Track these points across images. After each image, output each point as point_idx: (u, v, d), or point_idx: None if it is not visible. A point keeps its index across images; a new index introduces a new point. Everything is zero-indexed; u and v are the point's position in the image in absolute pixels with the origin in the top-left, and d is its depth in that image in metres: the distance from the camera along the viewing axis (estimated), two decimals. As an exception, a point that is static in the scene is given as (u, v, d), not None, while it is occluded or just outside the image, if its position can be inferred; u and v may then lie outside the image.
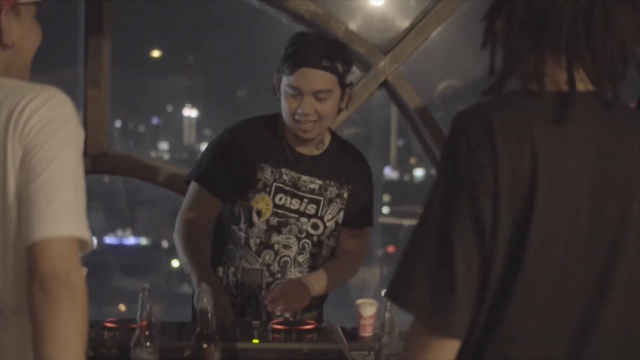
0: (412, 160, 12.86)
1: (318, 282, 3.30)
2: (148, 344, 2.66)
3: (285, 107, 3.24)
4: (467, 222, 1.65)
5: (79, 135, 1.90)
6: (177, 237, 3.33)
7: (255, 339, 2.90)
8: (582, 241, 1.68)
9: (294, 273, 3.34)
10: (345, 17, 4.25)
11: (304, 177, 3.33)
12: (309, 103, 3.19)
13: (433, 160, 4.39)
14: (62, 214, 1.82)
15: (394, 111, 8.12)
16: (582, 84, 1.73)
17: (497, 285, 1.67)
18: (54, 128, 1.84)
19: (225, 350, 2.72)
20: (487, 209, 1.64)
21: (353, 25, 4.25)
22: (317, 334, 2.99)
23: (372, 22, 4.29)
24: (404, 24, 4.31)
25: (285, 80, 3.22)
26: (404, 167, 12.99)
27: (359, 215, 3.43)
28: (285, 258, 3.33)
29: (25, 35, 2.00)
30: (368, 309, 3.32)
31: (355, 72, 4.32)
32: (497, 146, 1.64)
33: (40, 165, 1.82)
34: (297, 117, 3.22)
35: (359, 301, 3.35)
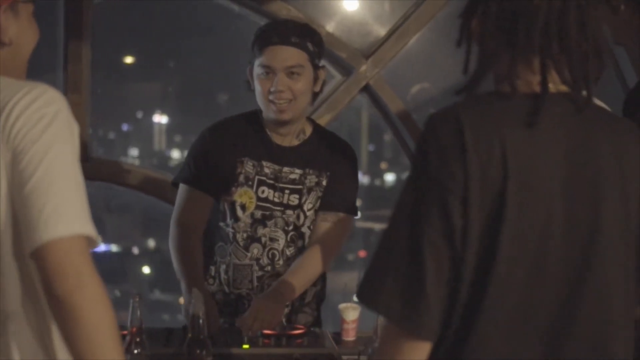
0: (383, 165, 12.92)
1: (286, 288, 3.22)
2: (138, 350, 2.64)
3: (259, 90, 3.23)
4: (437, 224, 1.64)
5: (72, 129, 1.83)
6: (171, 244, 3.31)
7: (246, 344, 2.89)
8: (554, 241, 1.68)
9: (283, 267, 3.31)
10: (326, 22, 4.26)
11: (285, 169, 3.31)
12: (282, 80, 3.19)
13: (414, 165, 4.38)
14: (60, 213, 1.75)
15: (364, 117, 8.15)
16: (553, 85, 1.73)
17: (469, 287, 1.67)
18: (41, 127, 1.78)
19: (216, 356, 2.70)
20: (457, 211, 1.64)
21: (333, 29, 4.25)
22: (307, 339, 2.98)
23: (352, 27, 4.29)
24: (381, 28, 4.32)
25: (257, 63, 3.23)
26: (375, 172, 13.04)
27: (334, 198, 3.35)
28: (273, 251, 3.31)
29: (23, 33, 1.97)
30: (351, 313, 3.31)
31: (336, 77, 4.34)
32: (467, 148, 1.64)
33: (30, 167, 1.76)
34: (271, 97, 3.21)
35: (342, 305, 3.34)
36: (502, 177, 1.64)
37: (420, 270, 1.64)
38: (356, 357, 3.01)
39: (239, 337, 2.96)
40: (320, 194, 3.33)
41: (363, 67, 4.23)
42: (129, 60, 7.44)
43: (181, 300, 3.25)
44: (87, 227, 1.79)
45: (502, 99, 1.72)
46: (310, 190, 3.33)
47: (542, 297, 1.69)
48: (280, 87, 3.19)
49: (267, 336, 2.99)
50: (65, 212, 1.76)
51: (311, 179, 3.32)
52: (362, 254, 10.49)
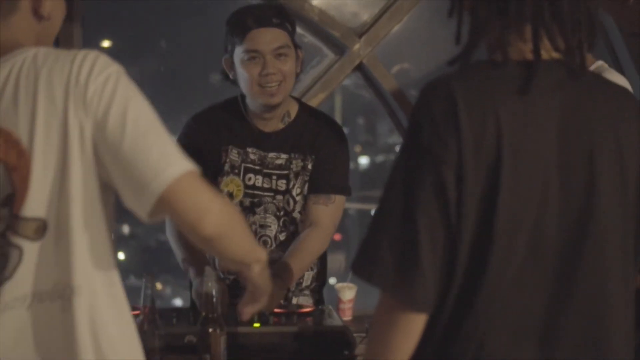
0: (357, 149, 12.91)
1: (284, 273, 3.17)
2: (152, 329, 2.62)
3: (245, 76, 3.19)
4: (431, 196, 1.63)
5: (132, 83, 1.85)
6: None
7: (256, 322, 2.87)
8: (551, 210, 1.67)
9: (277, 252, 3.27)
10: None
11: (271, 154, 3.28)
12: (271, 62, 3.16)
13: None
14: (167, 157, 1.77)
15: (337, 100, 8.14)
16: (546, 53, 1.72)
17: (466, 259, 1.65)
18: (112, 87, 1.77)
19: (228, 334, 2.69)
20: (451, 182, 1.62)
21: (325, 7, 4.23)
22: (316, 316, 2.97)
23: (344, 6, 4.27)
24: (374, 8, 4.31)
25: (239, 50, 3.18)
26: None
27: (323, 180, 3.30)
28: (265, 238, 3.29)
29: (56, 8, 1.94)
30: (347, 292, 3.35)
31: (329, 56, 4.33)
32: (460, 119, 1.63)
33: (118, 129, 1.75)
34: (261, 82, 3.17)
35: (338, 285, 3.37)
36: (496, 147, 1.63)
37: (415, 242, 1.63)
38: (364, 334, 3.01)
39: (248, 316, 2.93)
40: (307, 178, 3.30)
41: (356, 46, 4.21)
42: (106, 44, 7.37)
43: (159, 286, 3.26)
44: (191, 163, 1.81)
45: (494, 67, 1.70)
46: (297, 175, 3.30)
47: (540, 267, 1.68)
48: (270, 70, 3.16)
49: (277, 314, 2.98)
50: (170, 154, 1.78)
51: (297, 164, 3.30)
52: (336, 236, 10.51)
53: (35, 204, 1.78)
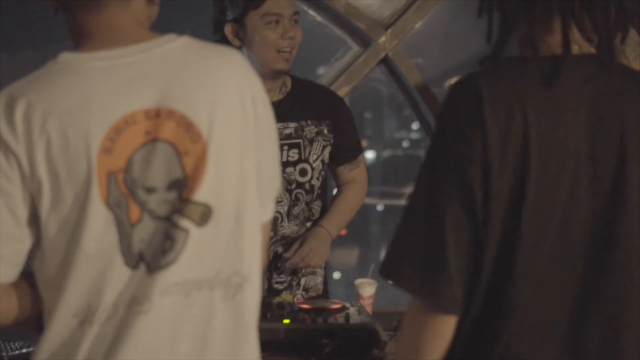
0: (364, 143, 12.92)
1: (331, 225, 3.35)
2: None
3: (266, 41, 3.16)
4: (457, 195, 1.62)
5: None
6: None
7: (286, 319, 2.83)
8: (581, 205, 1.65)
9: (289, 227, 3.31)
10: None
11: (278, 125, 3.25)
12: (292, 26, 3.17)
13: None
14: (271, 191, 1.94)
15: (343, 93, 8.13)
16: (577, 47, 1.69)
17: (493, 259, 1.64)
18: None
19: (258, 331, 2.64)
20: (477, 181, 1.61)
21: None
22: (346, 313, 2.92)
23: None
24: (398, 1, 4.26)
25: (257, 15, 3.14)
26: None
27: (350, 148, 3.43)
28: (275, 214, 3.28)
29: None
30: (367, 289, 3.31)
31: (353, 48, 4.29)
32: (486, 117, 1.61)
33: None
34: (280, 46, 3.15)
35: (358, 281, 3.35)
36: (523, 144, 1.61)
37: (441, 243, 1.62)
38: (392, 332, 2.97)
39: (277, 312, 2.92)
40: (325, 142, 3.33)
41: (382, 39, 4.16)
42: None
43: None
44: None
45: (522, 63, 1.69)
46: (312, 141, 3.30)
47: (568, 265, 1.66)
48: (291, 34, 3.15)
49: (306, 311, 2.94)
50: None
51: (310, 130, 3.29)
52: (342, 232, 10.49)
53: (206, 190, 1.76)
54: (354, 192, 3.46)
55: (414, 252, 1.65)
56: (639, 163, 1.66)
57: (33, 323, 1.83)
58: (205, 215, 1.76)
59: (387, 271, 1.69)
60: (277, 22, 3.14)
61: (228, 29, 3.18)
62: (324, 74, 4.45)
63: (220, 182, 1.77)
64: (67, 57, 1.77)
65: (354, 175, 3.45)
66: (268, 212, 1.89)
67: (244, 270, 1.80)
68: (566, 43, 1.68)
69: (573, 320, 1.66)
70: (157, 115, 1.74)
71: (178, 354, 1.75)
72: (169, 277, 1.74)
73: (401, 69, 4.20)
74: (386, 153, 12.13)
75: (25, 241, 1.74)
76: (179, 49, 1.80)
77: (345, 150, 3.40)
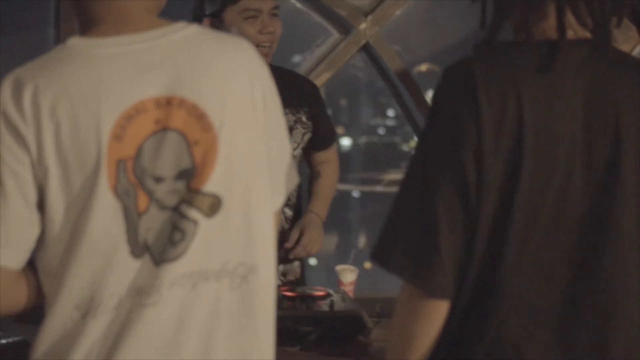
0: (340, 130, 12.89)
1: (322, 209, 3.43)
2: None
3: (244, 36, 3.09)
4: (450, 180, 1.60)
5: None
6: None
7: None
8: (575, 190, 1.64)
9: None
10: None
11: None
12: (270, 20, 3.17)
13: (413, 125, 4.35)
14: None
15: (324, 80, 8.10)
16: (572, 32, 1.68)
17: (485, 243, 1.62)
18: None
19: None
20: (470, 165, 1.60)
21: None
22: (330, 300, 2.92)
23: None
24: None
25: (235, 10, 3.14)
26: (331, 137, 13.00)
27: (328, 134, 3.51)
28: None
29: None
30: (348, 275, 3.31)
31: (334, 35, 4.27)
32: (479, 101, 1.60)
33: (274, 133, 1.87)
34: (259, 40, 3.14)
35: (339, 267, 3.34)
36: (517, 128, 1.60)
37: (433, 228, 1.61)
38: (377, 319, 2.96)
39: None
40: (304, 130, 3.36)
41: (363, 25, 4.15)
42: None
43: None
44: None
45: (517, 48, 1.68)
46: (291, 129, 3.31)
47: (561, 248, 1.64)
48: (270, 29, 3.15)
49: (290, 298, 2.93)
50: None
51: (289, 119, 3.29)
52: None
53: (216, 181, 1.74)
54: (332, 172, 3.52)
55: (406, 237, 1.63)
56: (633, 150, 1.65)
57: (35, 315, 1.80)
58: (214, 206, 1.74)
59: (379, 256, 1.67)
60: (256, 17, 3.14)
61: (206, 23, 3.18)
62: (300, 62, 4.44)
63: (231, 173, 1.75)
64: (76, 42, 1.75)
65: (328, 156, 3.51)
66: (278, 201, 1.88)
67: (251, 260, 1.77)
68: (561, 28, 1.66)
69: (565, 308, 1.65)
70: (168, 103, 1.72)
71: (184, 346, 1.72)
72: (178, 268, 1.71)
73: (382, 55, 4.18)
74: (362, 140, 12.10)
75: (35, 226, 1.71)
76: (189, 38, 1.78)
77: (323, 137, 3.45)
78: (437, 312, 1.64)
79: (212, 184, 1.73)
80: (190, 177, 1.73)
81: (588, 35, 1.69)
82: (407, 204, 1.65)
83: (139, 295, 1.70)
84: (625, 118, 1.65)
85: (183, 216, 1.72)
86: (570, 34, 1.67)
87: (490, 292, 1.63)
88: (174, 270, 1.71)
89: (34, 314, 1.83)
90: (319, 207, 3.42)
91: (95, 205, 1.68)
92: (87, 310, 1.70)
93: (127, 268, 1.70)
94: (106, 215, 1.69)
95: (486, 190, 1.60)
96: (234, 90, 1.77)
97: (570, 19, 1.67)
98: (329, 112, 3.57)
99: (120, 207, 1.70)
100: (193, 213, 1.72)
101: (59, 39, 3.90)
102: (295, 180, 1.94)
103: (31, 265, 1.77)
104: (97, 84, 1.70)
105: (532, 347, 1.64)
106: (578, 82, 1.64)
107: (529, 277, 1.64)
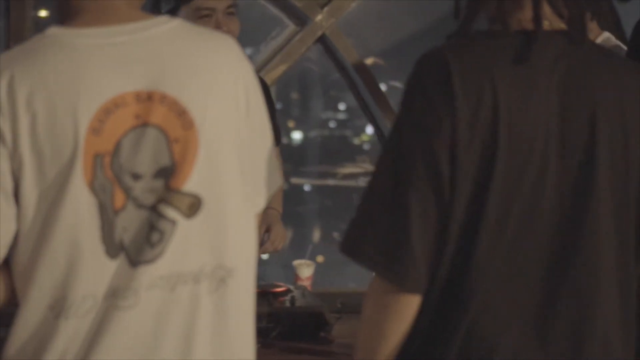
0: (290, 123, 12.88)
1: (278, 204, 3.43)
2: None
3: None
4: (423, 171, 1.57)
5: None
6: None
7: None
8: (549, 184, 1.61)
9: None
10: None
11: None
12: (224, 20, 3.11)
13: (369, 117, 4.33)
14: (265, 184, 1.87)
15: (279, 73, 8.08)
16: (547, 22, 1.65)
17: (457, 237, 1.59)
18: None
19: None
20: (444, 157, 1.56)
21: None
22: (291, 296, 2.88)
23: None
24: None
25: (190, 9, 3.10)
26: (282, 130, 13.00)
27: (276, 133, 3.42)
28: None
29: None
30: (305, 270, 3.31)
31: (290, 27, 4.24)
32: (455, 91, 1.57)
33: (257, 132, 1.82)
34: None
35: (296, 262, 3.35)
36: (492, 120, 1.57)
37: (406, 220, 1.57)
38: (337, 315, 2.94)
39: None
40: None
41: (319, 17, 4.12)
42: (43, 14, 7.18)
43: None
44: None
45: (492, 38, 1.64)
46: None
47: (535, 244, 1.61)
48: (225, 28, 3.09)
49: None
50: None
51: None
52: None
53: (196, 181, 1.68)
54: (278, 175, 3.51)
55: (377, 229, 1.59)
56: (609, 142, 1.63)
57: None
58: (194, 206, 1.69)
59: (349, 248, 1.63)
60: (210, 16, 3.10)
61: None
62: (252, 54, 4.39)
63: (211, 173, 1.70)
64: (55, 32, 1.69)
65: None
66: (259, 203, 1.83)
67: (230, 263, 1.72)
68: (537, 18, 1.63)
69: (539, 304, 1.62)
70: (148, 98, 1.66)
71: (162, 350, 1.67)
72: (156, 270, 1.66)
73: (338, 47, 4.16)
74: (313, 133, 12.11)
75: (12, 221, 1.65)
76: (172, 32, 1.73)
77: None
78: (409, 307, 1.60)
79: (191, 184, 1.68)
80: (169, 175, 1.67)
81: (563, 26, 1.66)
82: (379, 195, 1.60)
83: (115, 297, 1.65)
84: (601, 111, 1.63)
85: (161, 216, 1.67)
86: (545, 24, 1.64)
87: (463, 287, 1.59)
88: (152, 272, 1.66)
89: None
90: (275, 202, 3.39)
91: (68, 199, 1.62)
92: (60, 311, 1.64)
93: (102, 269, 1.65)
94: (80, 211, 1.63)
95: (460, 182, 1.57)
96: (217, 87, 1.72)
97: (546, 9, 1.64)
98: (279, 105, 3.55)
99: (96, 203, 1.64)
100: (171, 213, 1.67)
101: (10, 30, 3.85)
102: (278, 182, 1.89)
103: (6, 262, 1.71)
104: (77, 75, 1.64)
105: (505, 344, 1.61)
106: (554, 74, 1.62)
107: (502, 273, 1.60)
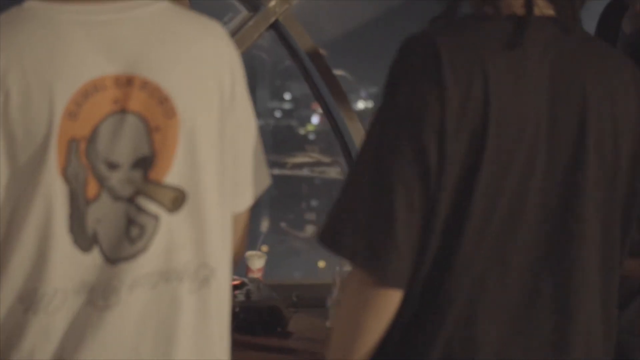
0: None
1: None
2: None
3: None
4: (409, 160, 1.51)
5: None
6: None
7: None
8: (538, 173, 1.57)
9: None
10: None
11: None
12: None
13: (323, 106, 4.26)
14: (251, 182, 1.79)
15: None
16: (538, 9, 1.61)
17: (442, 229, 1.53)
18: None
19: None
20: (432, 145, 1.51)
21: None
22: (246, 290, 2.82)
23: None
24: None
25: None
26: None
27: None
28: None
29: None
30: (257, 261, 3.29)
31: (242, 12, 4.16)
32: (444, 77, 1.51)
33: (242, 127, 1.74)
34: None
35: (248, 253, 3.30)
36: (482, 108, 1.52)
37: (390, 210, 1.50)
38: (294, 309, 2.89)
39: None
40: None
41: (272, 3, 4.04)
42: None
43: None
44: None
45: (482, 22, 1.59)
46: None
47: (520, 239, 1.57)
48: None
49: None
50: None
51: None
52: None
53: (178, 173, 1.60)
54: None
55: (359, 219, 1.52)
56: (598, 133, 1.59)
57: None
58: (177, 200, 1.61)
59: (327, 239, 1.56)
60: None
61: None
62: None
63: (194, 165, 1.62)
64: (34, 5, 1.59)
65: None
66: (246, 200, 1.75)
67: (212, 262, 1.65)
68: (528, 3, 1.58)
69: (524, 299, 1.58)
70: (128, 83, 1.58)
71: (143, 350, 1.59)
72: (138, 268, 1.58)
73: (292, 34, 4.09)
74: (259, 123, 12.11)
75: None
76: (158, 14, 1.64)
77: None
78: (389, 301, 1.53)
79: (173, 176, 1.60)
80: (148, 166, 1.59)
81: (552, 13, 1.61)
82: (361, 185, 1.54)
83: (93, 295, 1.57)
84: (591, 99, 1.58)
85: (141, 209, 1.58)
86: (535, 10, 1.59)
87: (446, 283, 1.54)
88: (134, 270, 1.58)
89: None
90: None
91: (39, 186, 1.53)
92: (29, 305, 1.55)
93: (72, 261, 1.56)
94: (49, 198, 1.54)
95: (446, 172, 1.50)
96: (201, 75, 1.64)
97: None
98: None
99: (67, 190, 1.55)
100: (153, 207, 1.59)
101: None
102: (266, 181, 1.80)
103: None
104: (54, 54, 1.55)
105: (489, 342, 1.56)
106: (545, 61, 1.57)
107: (487, 267, 1.55)
